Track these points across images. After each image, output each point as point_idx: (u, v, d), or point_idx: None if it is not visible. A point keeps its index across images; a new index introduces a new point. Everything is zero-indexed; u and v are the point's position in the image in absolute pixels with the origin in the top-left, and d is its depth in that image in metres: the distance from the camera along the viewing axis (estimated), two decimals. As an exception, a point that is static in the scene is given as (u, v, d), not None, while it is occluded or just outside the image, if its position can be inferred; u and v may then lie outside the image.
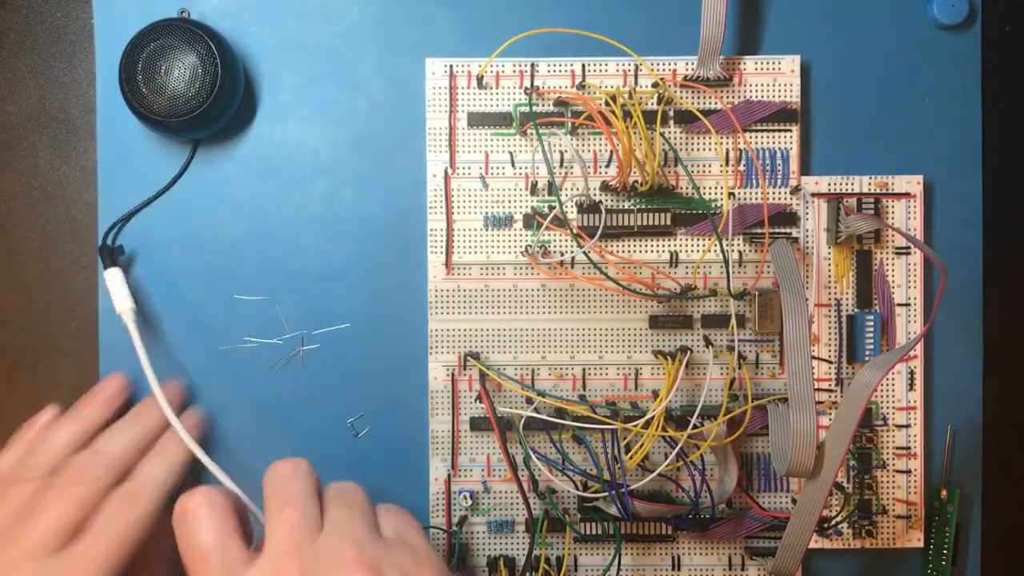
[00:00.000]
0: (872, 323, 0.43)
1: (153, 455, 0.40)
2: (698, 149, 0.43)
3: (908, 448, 0.43)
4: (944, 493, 0.44)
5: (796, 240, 0.43)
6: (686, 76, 0.43)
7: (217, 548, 0.34)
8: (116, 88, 0.42)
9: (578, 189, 0.43)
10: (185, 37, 0.41)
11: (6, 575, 0.34)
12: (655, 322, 0.43)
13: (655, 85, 0.43)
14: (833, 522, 0.43)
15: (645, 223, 0.43)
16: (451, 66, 0.43)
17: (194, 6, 0.44)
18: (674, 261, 0.43)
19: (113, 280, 0.43)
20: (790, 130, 0.43)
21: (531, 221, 0.43)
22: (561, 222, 0.43)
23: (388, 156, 0.44)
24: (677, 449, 0.41)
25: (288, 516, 0.34)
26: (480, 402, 0.43)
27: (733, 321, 0.43)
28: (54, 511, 0.36)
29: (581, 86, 0.43)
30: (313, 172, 0.44)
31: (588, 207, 0.43)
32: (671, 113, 0.43)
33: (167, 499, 0.38)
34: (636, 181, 0.43)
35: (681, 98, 0.43)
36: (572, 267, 0.43)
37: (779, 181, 0.43)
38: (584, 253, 0.42)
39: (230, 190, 0.44)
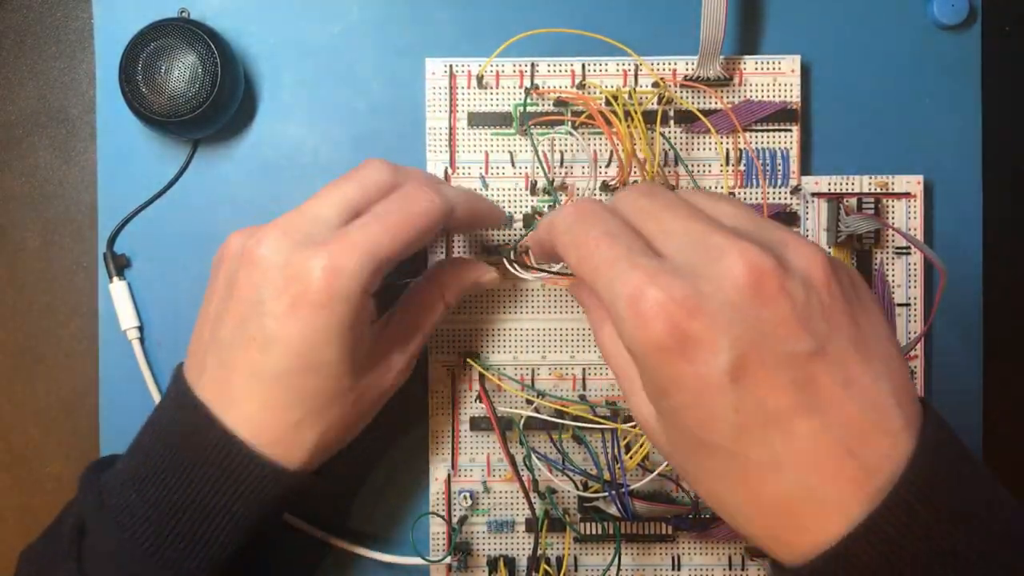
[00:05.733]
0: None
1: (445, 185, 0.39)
2: (698, 149, 0.43)
3: (908, 448, 0.43)
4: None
5: (796, 240, 0.43)
6: (686, 76, 0.43)
7: (621, 232, 0.30)
8: (116, 88, 0.41)
9: (579, 189, 0.43)
10: (185, 37, 0.41)
11: (277, 233, 0.34)
12: (655, 322, 0.43)
13: (655, 85, 0.43)
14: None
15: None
16: (451, 66, 0.43)
17: (194, 6, 0.44)
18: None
19: (118, 295, 0.43)
20: (790, 130, 0.43)
21: (531, 221, 0.43)
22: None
23: (388, 156, 0.44)
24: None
25: (685, 208, 0.30)
26: (480, 402, 0.43)
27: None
28: (339, 194, 0.36)
29: (581, 86, 0.43)
30: (313, 172, 0.44)
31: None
32: (671, 113, 0.43)
33: (445, 218, 0.36)
34: (636, 181, 0.43)
35: (681, 98, 0.43)
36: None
37: (779, 181, 0.43)
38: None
39: (230, 190, 0.44)
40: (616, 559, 0.42)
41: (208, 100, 0.41)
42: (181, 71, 0.41)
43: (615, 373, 0.34)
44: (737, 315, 0.26)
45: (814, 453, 0.26)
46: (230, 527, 0.35)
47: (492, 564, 0.43)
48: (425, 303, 0.40)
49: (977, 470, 0.28)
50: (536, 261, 0.39)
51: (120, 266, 0.43)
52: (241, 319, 0.34)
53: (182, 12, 0.44)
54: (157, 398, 0.43)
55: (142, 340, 0.44)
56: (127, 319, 0.43)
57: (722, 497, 0.29)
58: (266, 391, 0.34)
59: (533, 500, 0.43)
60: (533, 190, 0.43)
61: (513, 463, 0.42)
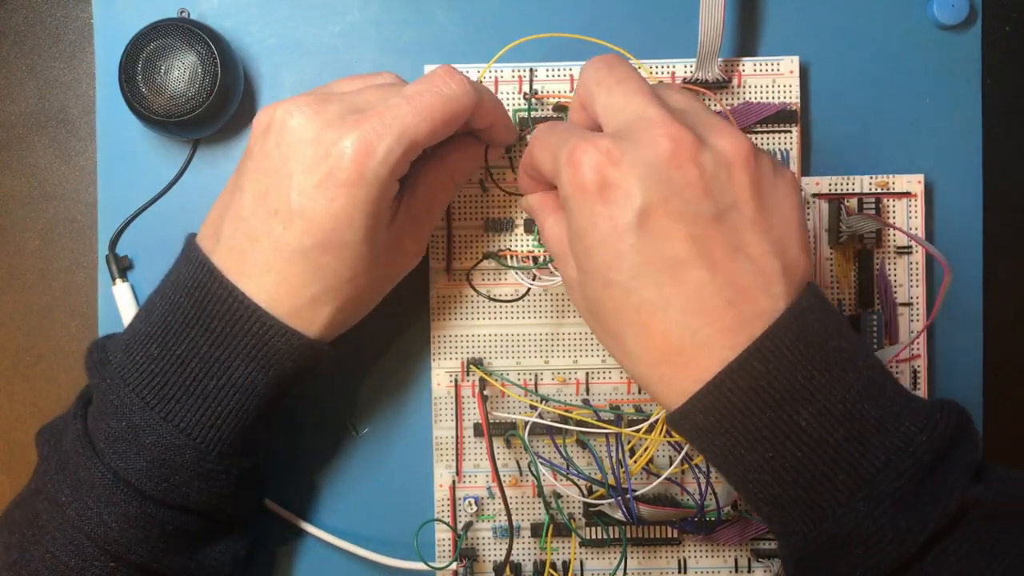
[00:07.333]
0: (875, 323, 0.43)
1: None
2: (698, 151, 0.43)
3: (912, 447, 0.43)
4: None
5: (798, 240, 0.43)
6: (685, 79, 0.43)
7: (573, 124, 0.35)
8: (116, 88, 0.41)
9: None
10: (185, 37, 0.41)
11: (309, 109, 0.35)
12: (657, 323, 0.43)
13: (656, 86, 0.43)
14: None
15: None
16: (451, 71, 0.43)
17: (194, 6, 0.44)
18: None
19: (122, 297, 0.43)
20: (790, 131, 0.43)
21: (532, 226, 0.43)
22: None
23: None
24: (683, 455, 0.41)
25: (635, 83, 0.34)
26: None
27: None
28: (369, 79, 0.38)
29: (581, 88, 0.43)
30: (314, 173, 0.44)
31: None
32: (672, 114, 0.43)
33: (474, 106, 0.36)
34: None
35: (682, 99, 0.43)
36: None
37: (780, 182, 0.43)
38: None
39: (230, 191, 0.44)
40: (622, 563, 0.42)
41: (208, 100, 0.41)
42: (181, 71, 0.41)
43: (554, 255, 0.37)
44: (652, 172, 0.31)
45: (698, 299, 0.31)
46: (233, 384, 0.35)
47: (498, 570, 0.43)
48: (435, 185, 0.39)
49: (843, 329, 0.32)
50: (524, 191, 0.40)
51: (123, 268, 0.43)
52: (264, 191, 0.35)
53: (182, 12, 0.44)
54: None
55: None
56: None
57: (620, 336, 0.33)
58: (285, 265, 0.35)
59: (539, 504, 0.42)
60: (534, 192, 0.43)
61: (497, 472, 0.42)
